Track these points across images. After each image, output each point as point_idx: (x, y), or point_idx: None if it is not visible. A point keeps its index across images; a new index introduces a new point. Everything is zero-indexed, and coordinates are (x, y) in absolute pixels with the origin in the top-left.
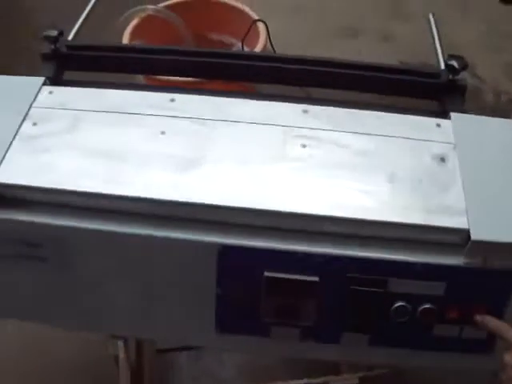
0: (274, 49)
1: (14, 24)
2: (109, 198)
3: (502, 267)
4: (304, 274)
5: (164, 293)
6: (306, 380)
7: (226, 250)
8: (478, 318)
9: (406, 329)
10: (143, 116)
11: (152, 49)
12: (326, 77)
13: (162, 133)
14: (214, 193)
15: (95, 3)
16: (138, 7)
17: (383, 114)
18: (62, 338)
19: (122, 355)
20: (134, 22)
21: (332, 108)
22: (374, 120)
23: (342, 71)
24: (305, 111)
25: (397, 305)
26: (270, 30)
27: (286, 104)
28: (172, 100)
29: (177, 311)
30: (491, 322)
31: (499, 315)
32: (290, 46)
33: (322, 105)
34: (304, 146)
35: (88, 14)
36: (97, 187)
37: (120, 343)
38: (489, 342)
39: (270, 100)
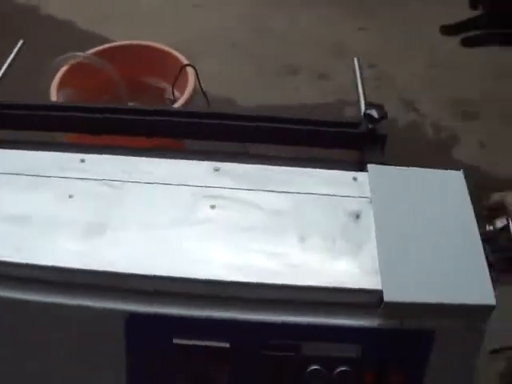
0: (204, 92)
1: None
2: (11, 265)
3: (419, 327)
4: (214, 341)
5: (75, 362)
6: None
7: (133, 317)
8: None
9: None
10: (53, 178)
11: (73, 106)
12: (246, 131)
13: (70, 196)
14: (119, 260)
15: (17, 54)
16: (67, 54)
17: (298, 169)
18: None
19: None
20: (63, 70)
21: (244, 165)
22: (288, 176)
23: (260, 125)
24: (216, 169)
25: (311, 368)
26: (207, 69)
27: (198, 162)
28: (82, 161)
29: (89, 381)
30: None
31: (419, 377)
32: (227, 85)
33: (237, 160)
34: (213, 206)
35: (8, 66)
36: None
37: None
38: None
39: (182, 158)
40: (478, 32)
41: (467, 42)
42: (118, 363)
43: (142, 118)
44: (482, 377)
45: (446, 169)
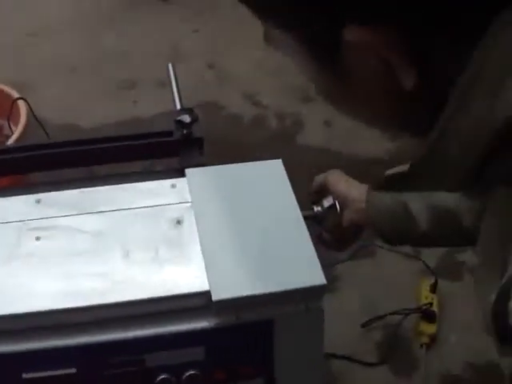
0: (40, 123)
1: None
2: None
3: (257, 319)
4: (61, 368)
5: None
6: None
7: None
8: None
9: None
10: None
11: None
12: (71, 156)
13: None
14: None
15: None
16: None
17: (118, 186)
18: None
19: None
20: None
21: (65, 191)
22: (108, 195)
23: (79, 148)
24: (37, 201)
25: (159, 378)
26: (47, 97)
27: (18, 197)
28: None
29: None
30: None
31: (269, 365)
32: (67, 111)
33: (59, 188)
34: (38, 238)
35: None
36: None
37: None
38: None
39: (3, 195)
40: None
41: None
42: None
43: None
44: (360, 349)
45: (292, 156)
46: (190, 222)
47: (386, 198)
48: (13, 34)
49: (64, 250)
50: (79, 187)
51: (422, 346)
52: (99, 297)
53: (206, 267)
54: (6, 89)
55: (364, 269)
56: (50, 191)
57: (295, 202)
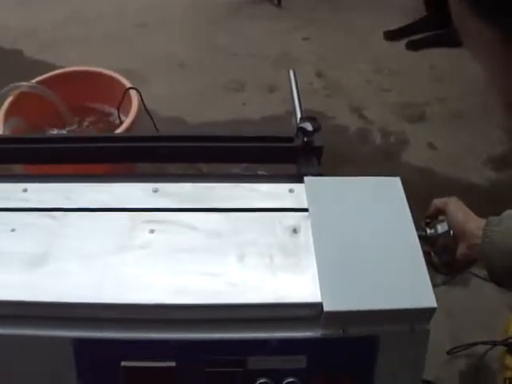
0: (149, 114)
1: None
2: None
3: (363, 334)
4: (160, 361)
5: None
6: None
7: (80, 343)
8: None
9: None
10: None
11: (24, 138)
12: (186, 152)
13: (13, 230)
14: (61, 290)
15: None
16: (11, 85)
17: (235, 185)
18: None
19: None
20: (9, 100)
21: (182, 184)
22: (225, 193)
23: (196, 145)
24: (155, 190)
25: (259, 382)
26: (155, 89)
27: (137, 184)
28: (24, 190)
29: None
30: None
31: (368, 381)
32: (175, 105)
33: (176, 180)
34: (152, 231)
35: None
36: None
37: None
38: None
39: (121, 181)
40: (422, 35)
41: (412, 45)
42: None
43: (88, 145)
44: (444, 375)
45: (394, 173)
46: (306, 232)
47: (508, 239)
48: (122, 24)
49: (178, 245)
50: (195, 182)
51: (505, 380)
52: (213, 296)
53: (320, 279)
54: (119, 77)
55: (457, 295)
56: (166, 182)
57: (412, 222)
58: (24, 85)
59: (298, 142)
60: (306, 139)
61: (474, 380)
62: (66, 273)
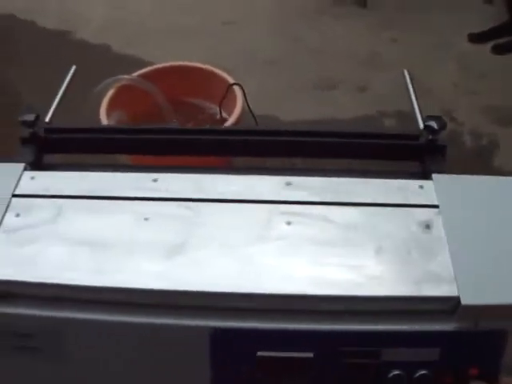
0: (251, 111)
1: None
2: (95, 289)
3: (493, 328)
4: (298, 351)
5: (160, 381)
6: None
7: (217, 332)
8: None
9: None
10: (126, 200)
11: (131, 129)
12: (307, 147)
13: (146, 219)
14: (201, 279)
15: (71, 80)
16: (113, 78)
17: (366, 179)
18: None
19: None
20: (111, 93)
21: (314, 178)
22: (358, 187)
23: (321, 140)
24: (288, 184)
25: (392, 374)
26: (246, 83)
27: (269, 177)
28: (155, 180)
29: None
30: None
31: (494, 375)
32: (266, 102)
33: (303, 175)
34: (289, 223)
35: (64, 92)
36: (82, 279)
37: None
38: None
39: (252, 173)
40: (507, 39)
41: (498, 49)
42: (202, 378)
43: (199, 137)
44: None
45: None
46: (438, 228)
47: None
48: (209, 20)
49: (315, 238)
50: (325, 175)
51: None
52: (351, 288)
53: (455, 274)
54: (221, 74)
55: None
56: (298, 175)
57: None
58: (126, 78)
59: (423, 140)
60: (431, 137)
61: None
62: (206, 262)
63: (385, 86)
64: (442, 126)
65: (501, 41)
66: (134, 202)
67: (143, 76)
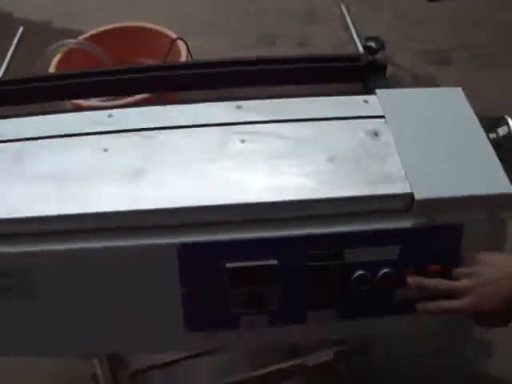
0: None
1: None
2: (64, 217)
3: (449, 222)
4: (263, 260)
5: (130, 303)
6: (286, 363)
7: (185, 248)
8: (409, 280)
9: (368, 297)
10: (85, 136)
11: (74, 73)
12: (253, 75)
13: (105, 150)
14: (164, 197)
15: (19, 41)
16: (59, 42)
17: (313, 98)
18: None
19: (99, 372)
20: (57, 57)
21: (263, 100)
22: (306, 105)
23: (265, 67)
24: (238, 107)
25: (356, 274)
26: (191, 45)
27: (219, 103)
28: (110, 116)
29: (145, 319)
30: (422, 281)
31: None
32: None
33: (252, 99)
34: (243, 141)
35: (14, 52)
36: (51, 210)
37: (96, 361)
38: None
39: (203, 102)
40: None
41: None
42: (173, 295)
43: (146, 75)
44: None
45: None
46: (386, 135)
47: None
48: None
49: (269, 152)
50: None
51: None
52: (308, 193)
53: (406, 173)
54: (166, 31)
55: None
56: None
57: (478, 124)
58: (71, 42)
59: (364, 61)
60: (371, 58)
61: None
62: (168, 182)
63: (323, 38)
64: (381, 46)
65: None
66: (92, 137)
67: (88, 39)
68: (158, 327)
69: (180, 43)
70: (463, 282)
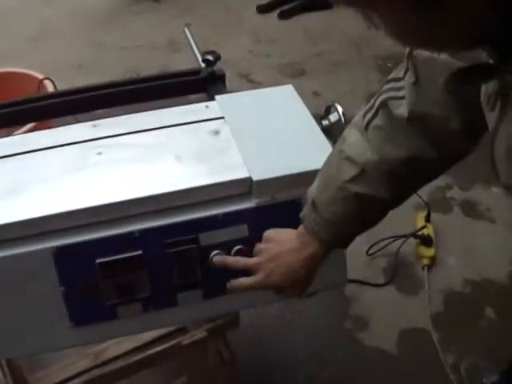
0: None
1: None
2: None
3: (287, 198)
4: (129, 252)
5: (19, 308)
6: (162, 345)
7: (59, 250)
8: (214, 259)
9: (229, 274)
10: None
11: None
12: (105, 98)
13: None
14: (34, 207)
15: None
16: None
17: (162, 110)
18: None
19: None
20: None
21: (117, 117)
22: (153, 117)
23: (115, 90)
24: (94, 125)
25: (213, 254)
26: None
27: (77, 124)
28: None
29: (35, 321)
30: (224, 260)
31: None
32: None
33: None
34: (100, 153)
35: None
36: None
37: None
38: None
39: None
40: (290, 5)
41: (283, 15)
42: (55, 294)
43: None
44: (369, 274)
45: None
46: (225, 132)
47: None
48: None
49: (124, 158)
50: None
51: (423, 267)
52: (162, 187)
53: (245, 161)
54: (32, 73)
55: None
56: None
57: (309, 114)
58: None
59: (204, 73)
60: (210, 70)
61: (395, 273)
62: (34, 196)
63: (184, 66)
64: (217, 58)
65: (285, 7)
66: None
67: None
68: (47, 327)
69: (47, 83)
70: (253, 259)
